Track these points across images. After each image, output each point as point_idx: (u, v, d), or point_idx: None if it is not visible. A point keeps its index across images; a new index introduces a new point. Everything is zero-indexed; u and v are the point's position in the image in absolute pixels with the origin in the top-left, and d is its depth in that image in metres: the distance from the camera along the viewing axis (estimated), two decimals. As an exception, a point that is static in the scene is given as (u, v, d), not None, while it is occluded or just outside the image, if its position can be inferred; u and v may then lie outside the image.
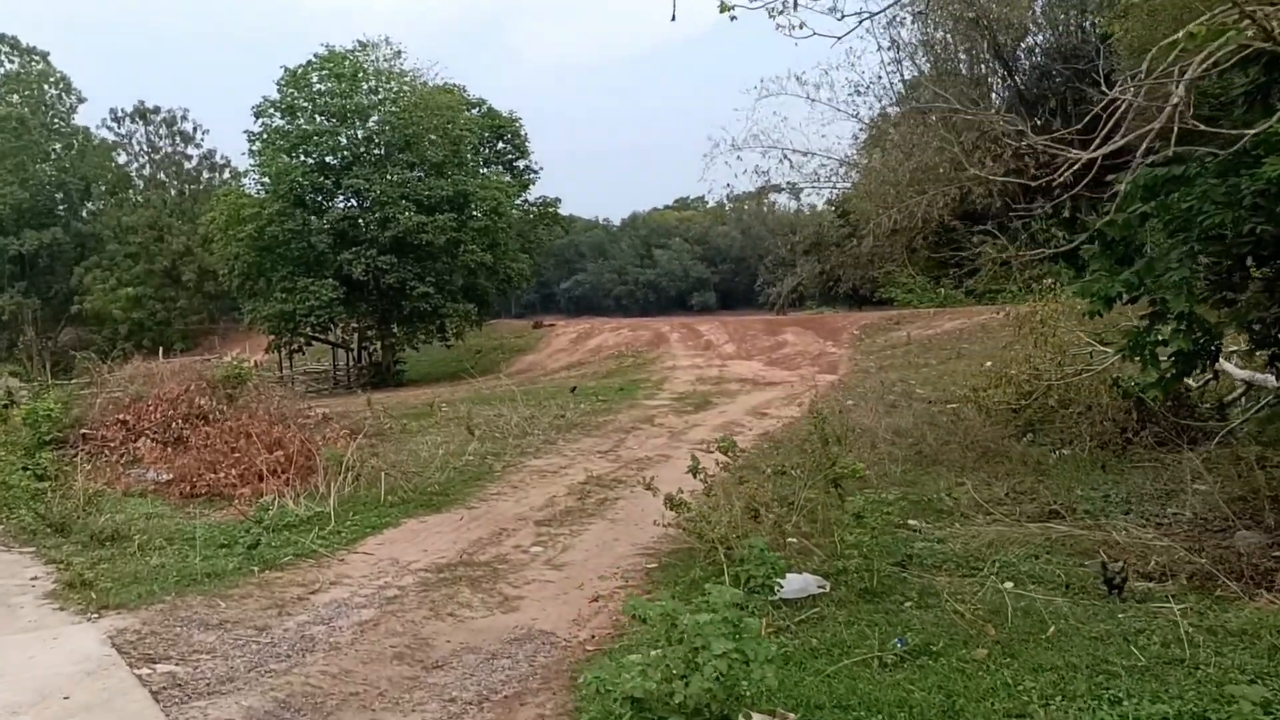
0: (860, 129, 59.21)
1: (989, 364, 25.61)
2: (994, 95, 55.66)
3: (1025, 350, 14.68)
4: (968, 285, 46.61)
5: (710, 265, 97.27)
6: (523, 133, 50.85)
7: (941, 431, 13.64)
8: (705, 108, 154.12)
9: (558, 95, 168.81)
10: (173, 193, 68.82)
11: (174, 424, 16.09)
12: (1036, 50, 52.47)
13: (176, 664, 6.29)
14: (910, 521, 9.11)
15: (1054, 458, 12.02)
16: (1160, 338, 7.67)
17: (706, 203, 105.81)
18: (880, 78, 67.89)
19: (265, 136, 39.93)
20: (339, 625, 7.10)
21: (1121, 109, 7.44)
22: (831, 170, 60.84)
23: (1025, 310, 15.78)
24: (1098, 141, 7.37)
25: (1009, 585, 7.03)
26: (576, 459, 14.88)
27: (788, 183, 59.46)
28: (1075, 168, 7.87)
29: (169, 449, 15.46)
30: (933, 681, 5.42)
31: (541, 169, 50.98)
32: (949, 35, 54.09)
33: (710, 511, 8.10)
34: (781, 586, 6.67)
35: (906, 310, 41.55)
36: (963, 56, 55.14)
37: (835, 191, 60.15)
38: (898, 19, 56.58)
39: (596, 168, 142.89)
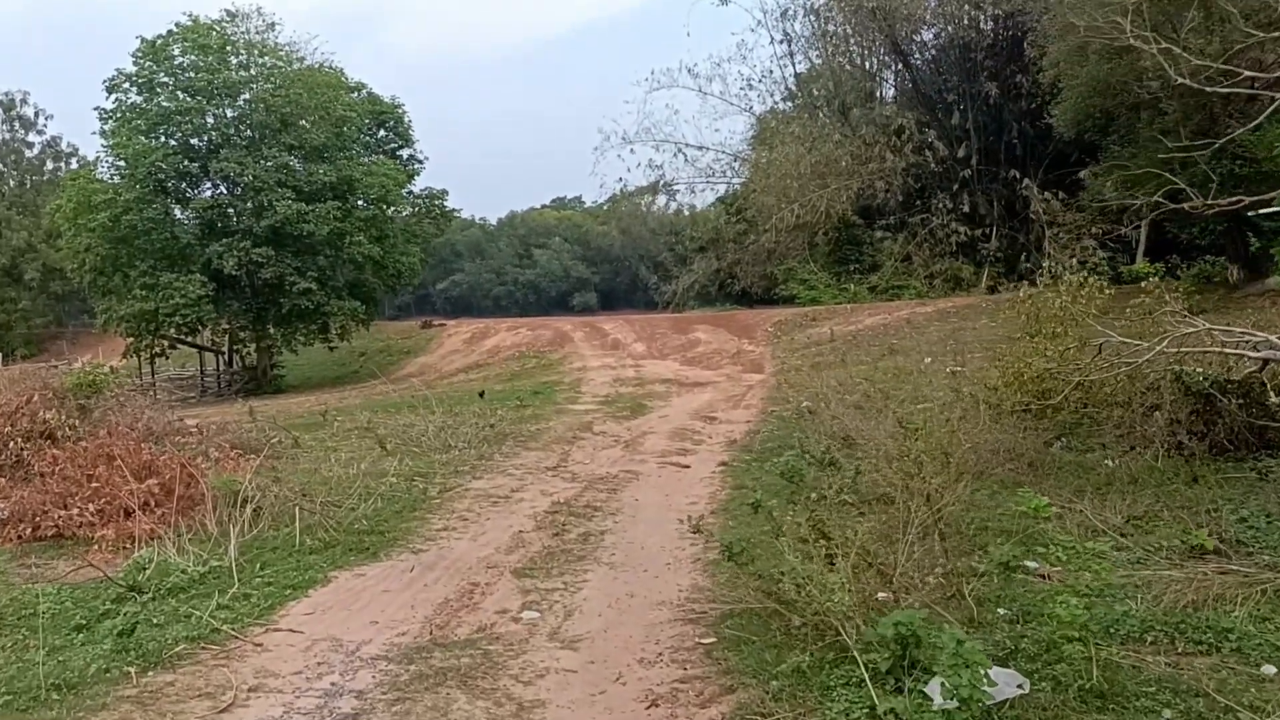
0: (753, 123, 58.12)
1: (928, 360, 24.27)
2: (888, 88, 55.21)
3: (1039, 345, 12.68)
4: (870, 281, 45.75)
5: (591, 265, 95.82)
6: (406, 119, 47.36)
7: (962, 438, 11.55)
8: (581, 108, 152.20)
9: (427, 94, 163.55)
10: (11, 184, 62.54)
11: (12, 444, 12.95)
12: (930, 45, 52.06)
13: None
14: (1028, 563, 6.92)
15: (1112, 466, 10.12)
16: None
17: (584, 202, 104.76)
18: (771, 71, 67.23)
19: (120, 114, 35.51)
20: (281, 782, 4.45)
21: None
22: (726, 165, 59.66)
23: (1025, 298, 13.85)
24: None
25: (1270, 670, 4.91)
26: (526, 479, 12.31)
27: (664, 182, 58.00)
28: None
29: (3, 477, 12.34)
30: None
31: (427, 159, 47.62)
32: (844, 28, 53.33)
33: (807, 568, 5.69)
34: (991, 697, 4.35)
35: (820, 307, 40.13)
36: (855, 50, 54.47)
37: (731, 186, 58.84)
38: (790, 11, 55.67)
39: (472, 167, 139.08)
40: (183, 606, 6.92)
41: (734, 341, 34.62)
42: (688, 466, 12.61)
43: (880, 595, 5.98)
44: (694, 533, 6.58)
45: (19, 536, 10.04)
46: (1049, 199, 43.36)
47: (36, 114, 63.45)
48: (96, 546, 9.50)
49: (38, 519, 10.23)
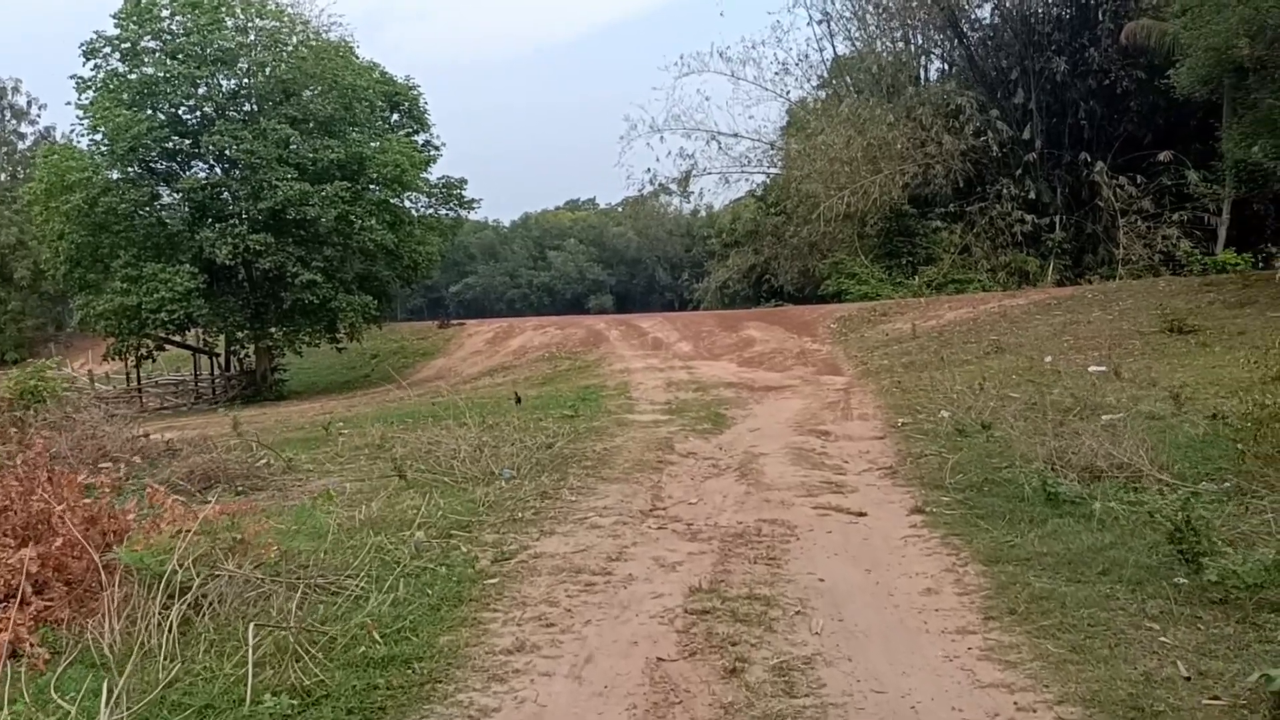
0: (788, 109, 54.05)
1: (1049, 359, 20.27)
2: (941, 65, 51.30)
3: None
4: (927, 275, 41.75)
5: (607, 268, 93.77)
6: (422, 103, 43.03)
7: None
8: (596, 110, 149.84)
9: (435, 97, 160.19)
10: (2, 177, 58.91)
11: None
12: (985, 20, 48.18)
13: None
14: None
15: None
16: None
17: (599, 204, 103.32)
18: (808, 55, 63.22)
19: (99, 82, 31.44)
20: None
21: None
22: (762, 153, 55.40)
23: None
24: None
25: None
26: (620, 533, 8.08)
27: (696, 171, 53.92)
28: None
29: None
30: None
31: (444, 145, 43.29)
32: (891, 2, 49.33)
33: None
34: None
35: (884, 301, 36.04)
36: (900, 26, 50.56)
37: (768, 176, 54.49)
38: (830, -11, 52.08)
39: (483, 170, 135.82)
40: None
41: (794, 340, 30.47)
42: (864, 514, 8.36)
43: None
44: None
45: None
46: (1122, 184, 39.54)
47: (29, 103, 60.14)
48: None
49: None
